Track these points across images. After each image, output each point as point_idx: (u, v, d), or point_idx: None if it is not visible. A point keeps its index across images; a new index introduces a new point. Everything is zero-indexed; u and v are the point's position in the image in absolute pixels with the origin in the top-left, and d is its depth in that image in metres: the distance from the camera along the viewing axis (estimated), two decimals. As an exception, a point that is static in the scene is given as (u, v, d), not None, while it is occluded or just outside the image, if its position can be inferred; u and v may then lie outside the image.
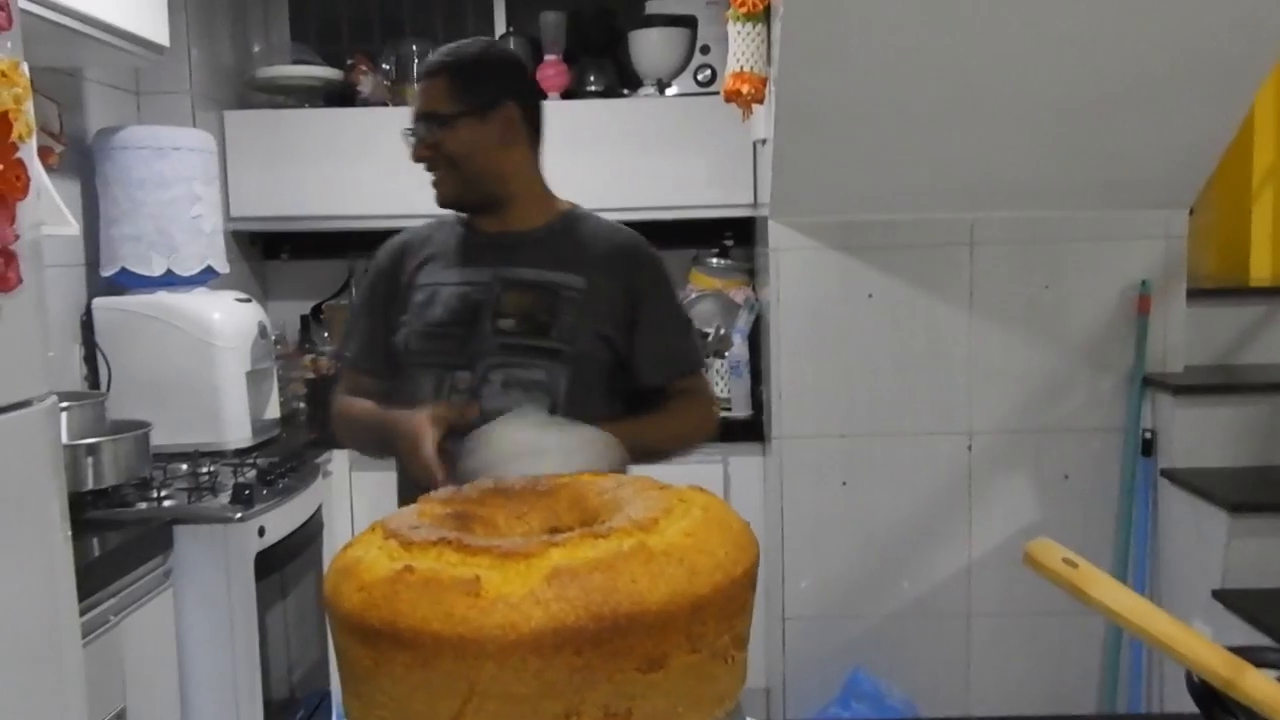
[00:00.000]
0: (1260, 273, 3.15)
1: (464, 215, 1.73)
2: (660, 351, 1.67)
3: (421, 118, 1.64)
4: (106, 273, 2.74)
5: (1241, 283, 3.11)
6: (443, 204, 1.68)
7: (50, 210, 2.02)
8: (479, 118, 1.62)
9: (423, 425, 1.44)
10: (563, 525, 0.57)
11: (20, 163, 1.37)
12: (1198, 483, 2.52)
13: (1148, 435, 2.73)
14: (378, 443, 1.68)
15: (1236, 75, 2.37)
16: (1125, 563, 2.74)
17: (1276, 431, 2.63)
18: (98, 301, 2.71)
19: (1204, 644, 0.61)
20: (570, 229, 1.69)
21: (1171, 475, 2.64)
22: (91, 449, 2.20)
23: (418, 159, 1.65)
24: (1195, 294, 2.79)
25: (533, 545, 0.51)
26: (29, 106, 1.42)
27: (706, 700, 0.53)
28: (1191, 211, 2.76)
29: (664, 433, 1.67)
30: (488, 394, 1.55)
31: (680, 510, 0.56)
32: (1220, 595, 2.35)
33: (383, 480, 3.27)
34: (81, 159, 2.75)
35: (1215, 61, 2.32)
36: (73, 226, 2.06)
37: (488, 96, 1.63)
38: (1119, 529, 2.74)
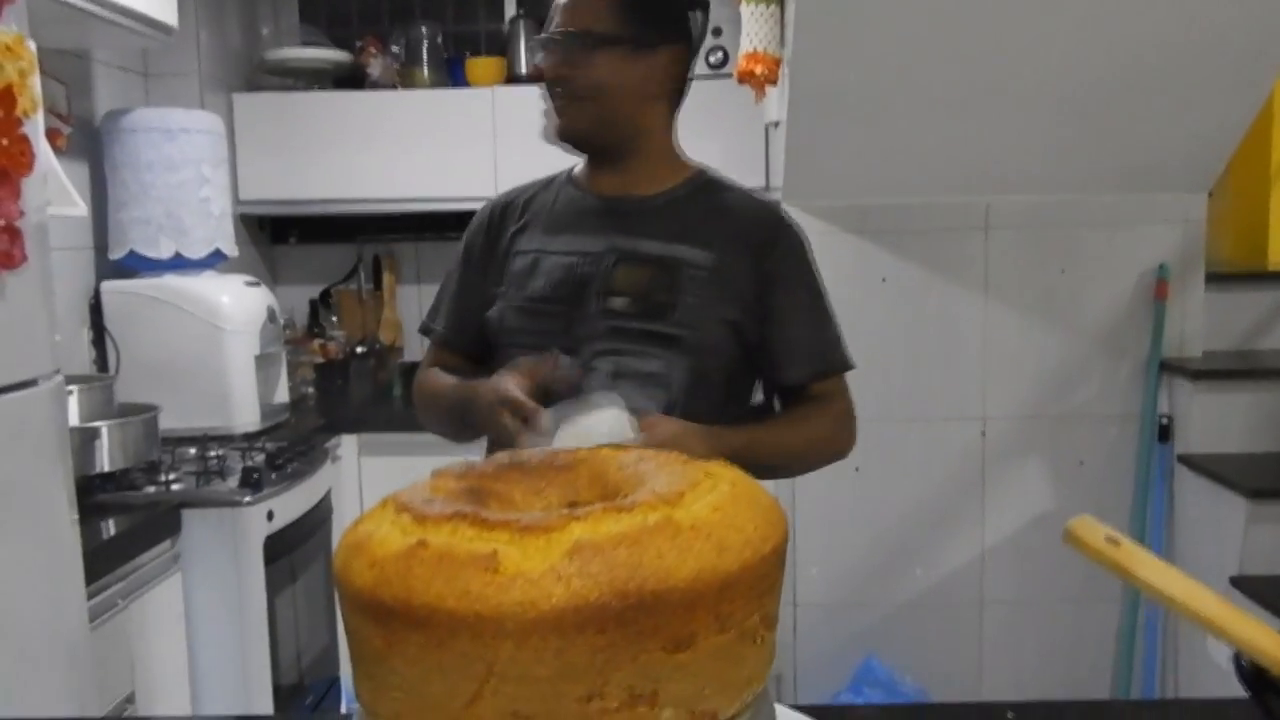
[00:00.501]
0: (1278, 257, 3.11)
1: (576, 174, 1.49)
2: (803, 345, 1.41)
3: (568, 33, 1.36)
4: (115, 256, 2.73)
5: (1260, 267, 3.06)
6: (561, 136, 1.42)
7: (57, 191, 2.00)
8: (637, 51, 1.37)
9: (505, 379, 1.26)
10: (582, 501, 0.55)
11: (25, 138, 1.35)
12: (1215, 469, 2.49)
13: (1164, 421, 2.70)
14: (457, 417, 1.42)
15: (1257, 58, 2.33)
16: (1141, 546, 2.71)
17: (1296, 417, 2.60)
18: (106, 285, 2.69)
19: (1256, 625, 0.59)
20: (699, 196, 1.44)
21: (1188, 461, 2.61)
22: (99, 432, 2.18)
23: (550, 77, 1.38)
24: (1213, 279, 2.76)
25: (553, 519, 0.49)
26: (34, 81, 1.40)
27: (735, 683, 0.51)
28: (1210, 195, 2.72)
29: (796, 441, 1.43)
30: (592, 384, 1.31)
31: (707, 485, 0.54)
32: (1238, 582, 2.32)
33: (392, 466, 3.27)
34: (89, 142, 2.73)
35: (1236, 44, 2.28)
36: (80, 207, 2.04)
37: (656, 31, 1.38)
38: (1135, 516, 2.71)
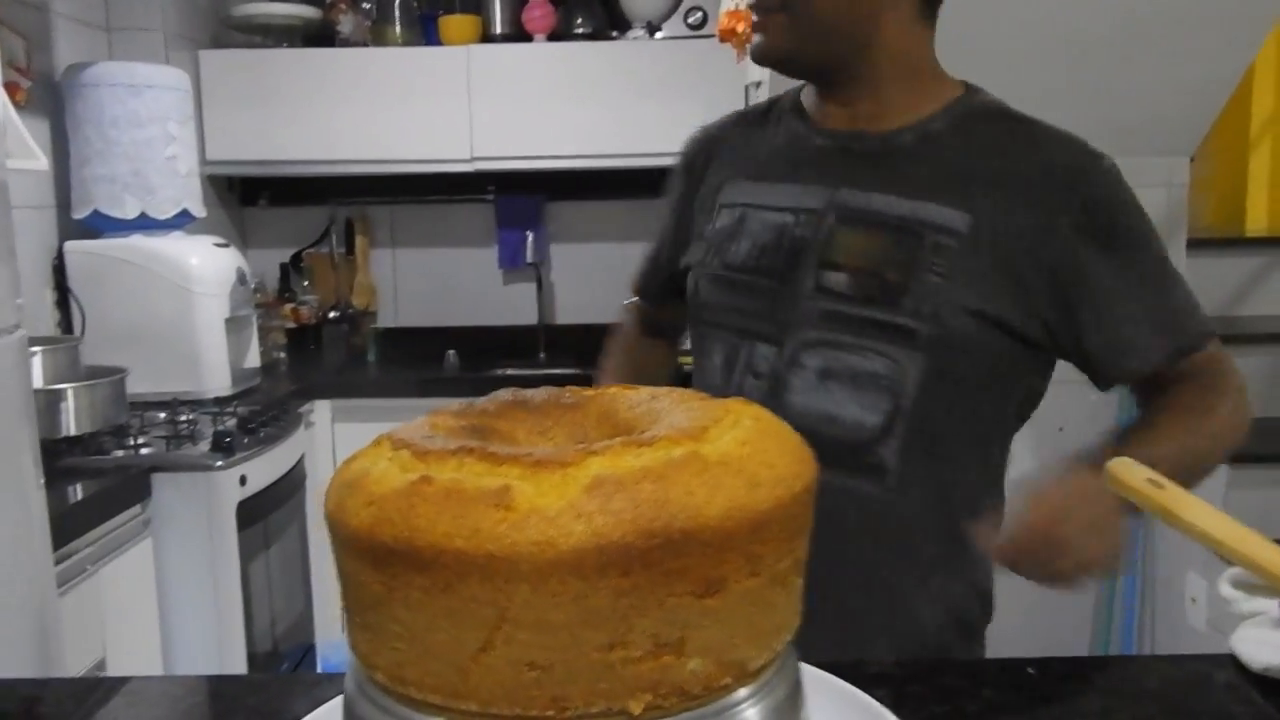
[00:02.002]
0: (1257, 223, 3.11)
1: (804, 100, 1.13)
2: (1143, 321, 1.03)
3: None
4: (78, 215, 2.64)
5: (1238, 233, 3.06)
6: (764, 59, 1.06)
7: (17, 144, 1.92)
8: None
9: None
10: (592, 440, 0.51)
11: (-18, 80, 1.28)
12: (1196, 434, 2.49)
13: (1145, 386, 2.69)
14: None
15: (1243, 20, 2.31)
16: (1121, 515, 2.72)
17: (1276, 382, 2.60)
18: (70, 245, 2.61)
19: (1307, 568, 0.56)
20: (962, 129, 1.05)
21: (1169, 426, 2.60)
22: (65, 394, 2.12)
23: None
24: (1193, 244, 2.75)
25: (569, 453, 0.45)
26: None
27: (765, 631, 0.48)
28: (1191, 160, 2.71)
29: (1199, 442, 1.08)
30: (798, 385, 1.03)
31: (730, 420, 0.50)
32: (1218, 547, 2.32)
33: (367, 431, 3.20)
34: (50, 98, 2.64)
35: (1221, 7, 2.25)
36: (40, 160, 1.96)
37: None
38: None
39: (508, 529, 0.42)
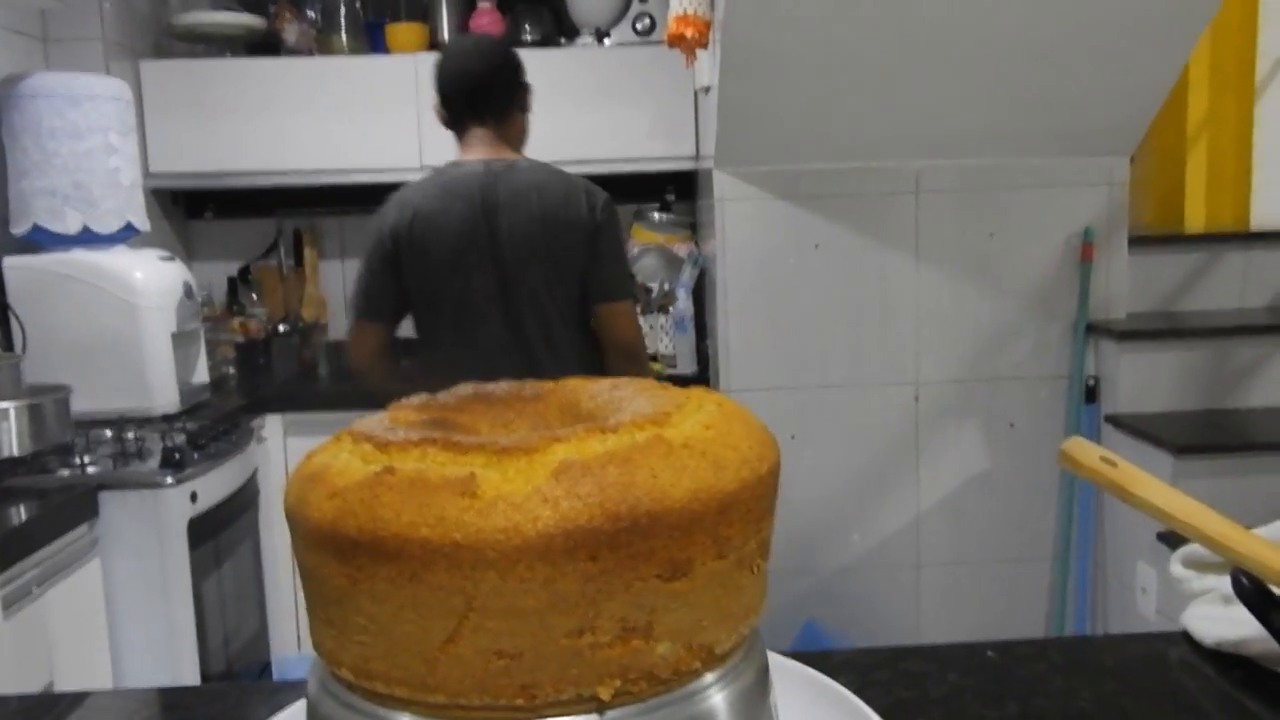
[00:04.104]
0: (1195, 221, 3.18)
1: None
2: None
3: None
4: (18, 230, 2.58)
5: (1178, 230, 3.13)
6: None
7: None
8: None
9: None
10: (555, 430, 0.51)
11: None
12: (1141, 427, 2.54)
13: (1091, 382, 2.74)
14: None
15: (1179, 20, 2.37)
16: (1070, 507, 2.76)
17: (1217, 376, 2.66)
18: (9, 260, 2.55)
19: (1260, 542, 0.57)
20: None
21: (1116, 421, 2.65)
22: (7, 413, 2.07)
23: None
24: (1134, 241, 2.81)
25: (534, 440, 0.45)
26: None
27: (733, 613, 0.48)
28: (1131, 160, 2.77)
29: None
30: None
31: (693, 405, 0.50)
32: (1164, 537, 2.37)
33: (318, 445, 3.17)
34: (-14, 109, 2.58)
35: (1158, 6, 2.31)
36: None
37: None
38: (1064, 475, 2.75)
39: (474, 516, 0.42)
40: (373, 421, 0.51)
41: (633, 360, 2.17)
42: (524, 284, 2.11)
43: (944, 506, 2.80)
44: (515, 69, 2.21)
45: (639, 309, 2.32)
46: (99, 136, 2.58)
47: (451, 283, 2.11)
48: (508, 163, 2.16)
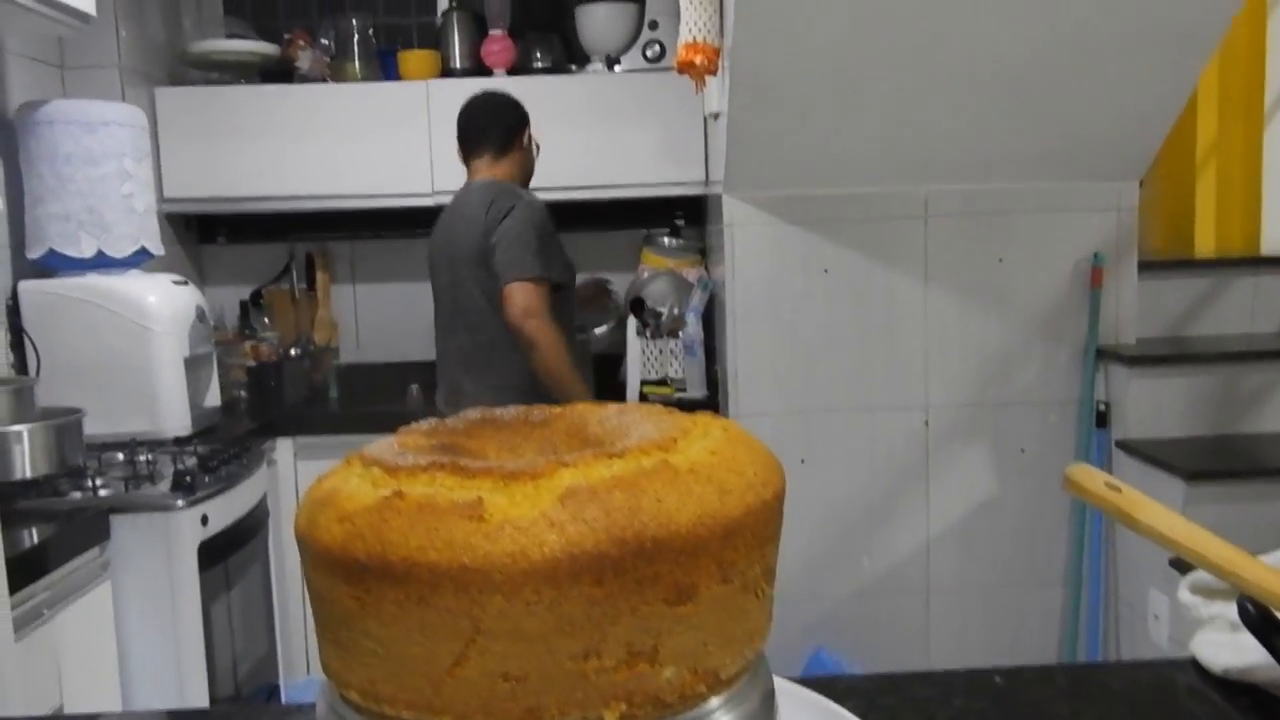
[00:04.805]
0: (1205, 246, 3.18)
1: None
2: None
3: None
4: (33, 255, 2.61)
5: (1187, 255, 3.13)
6: None
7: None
8: None
9: None
10: (562, 455, 0.51)
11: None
12: (1152, 453, 2.53)
13: (1102, 407, 2.73)
14: None
15: (1188, 44, 2.38)
16: (1082, 532, 2.75)
17: (1228, 401, 2.65)
18: (24, 285, 2.58)
19: (1265, 568, 0.57)
20: None
21: (1126, 446, 2.64)
22: (20, 436, 2.08)
23: None
24: (1144, 266, 2.81)
25: (540, 465, 0.45)
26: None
27: (737, 638, 0.48)
28: (1140, 184, 2.77)
29: None
30: None
31: (699, 431, 0.50)
32: (1177, 564, 2.34)
33: (329, 468, 3.18)
34: (3, 137, 2.61)
35: (1166, 30, 2.32)
36: (-5, 199, 1.94)
37: None
38: (1075, 499, 2.74)
39: (481, 540, 0.43)
40: (382, 446, 0.52)
41: (522, 340, 2.49)
42: (457, 285, 2.61)
43: (954, 531, 2.79)
44: (509, 115, 2.70)
45: (537, 289, 2.50)
46: (114, 162, 2.61)
47: (435, 287, 2.72)
48: (470, 184, 2.67)
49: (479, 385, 2.61)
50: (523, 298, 2.47)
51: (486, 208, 2.54)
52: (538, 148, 2.79)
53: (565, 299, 2.67)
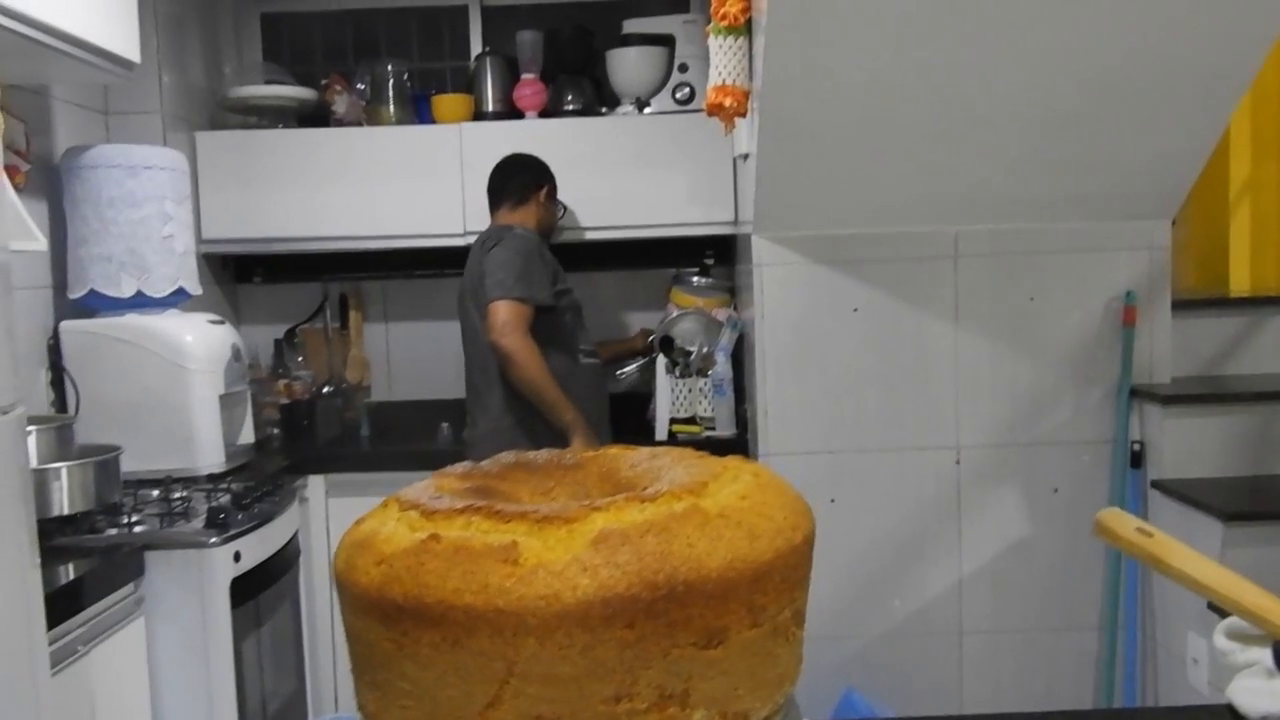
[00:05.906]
0: (1239, 284, 3.16)
1: None
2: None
3: None
4: (74, 295, 2.66)
5: (1222, 293, 3.11)
6: None
7: (16, 226, 1.95)
8: None
9: None
10: (594, 499, 0.52)
11: (-13, 163, 1.31)
12: (1189, 493, 2.50)
13: (1136, 447, 2.70)
14: None
15: (1219, 84, 2.37)
16: (1118, 574, 2.71)
17: (1265, 441, 2.61)
18: (65, 324, 2.63)
19: (1297, 612, 0.57)
20: None
21: (1161, 486, 2.61)
22: (59, 473, 2.11)
23: None
24: (1178, 305, 2.78)
25: (573, 510, 0.46)
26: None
27: (768, 682, 0.48)
28: (1173, 223, 2.76)
29: None
30: None
31: (729, 475, 0.51)
32: (1215, 607, 2.31)
33: (361, 506, 3.19)
34: (48, 181, 2.68)
35: (1198, 71, 2.32)
36: (40, 241, 1.99)
37: None
38: (1110, 542, 2.71)
39: (515, 583, 0.43)
40: (419, 488, 0.53)
41: (499, 354, 2.64)
42: (465, 319, 2.84)
43: (986, 572, 2.76)
44: (528, 172, 2.93)
45: (517, 308, 2.65)
46: (155, 205, 2.66)
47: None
48: (488, 229, 2.92)
49: (485, 415, 2.76)
50: (500, 315, 2.62)
51: (483, 244, 2.79)
52: (563, 208, 3.02)
53: (560, 323, 2.81)
